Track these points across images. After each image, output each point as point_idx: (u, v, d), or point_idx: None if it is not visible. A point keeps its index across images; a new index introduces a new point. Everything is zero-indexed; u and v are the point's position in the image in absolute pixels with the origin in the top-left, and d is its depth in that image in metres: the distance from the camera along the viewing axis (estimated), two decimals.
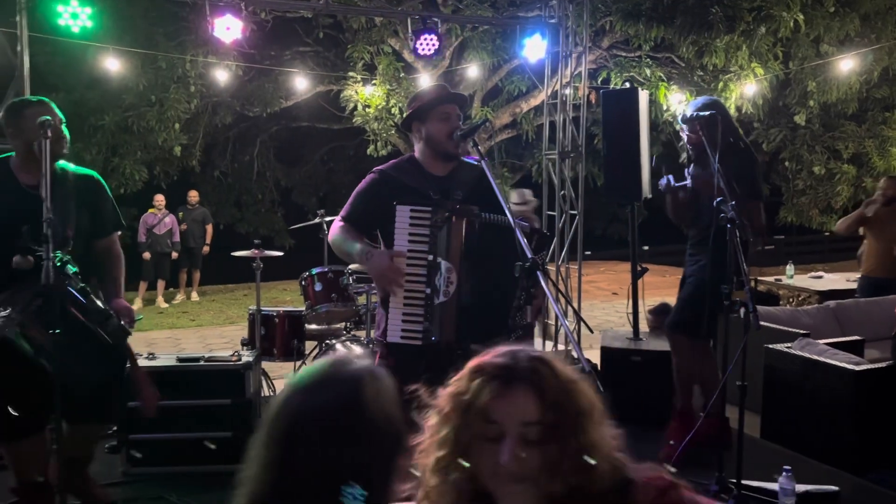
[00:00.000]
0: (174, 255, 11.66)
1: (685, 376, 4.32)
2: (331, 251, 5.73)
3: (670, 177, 4.20)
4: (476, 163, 3.10)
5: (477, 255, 2.84)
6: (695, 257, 4.29)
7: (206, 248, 12.20)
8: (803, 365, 4.47)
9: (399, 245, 2.84)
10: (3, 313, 2.80)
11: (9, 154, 3.09)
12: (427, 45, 5.75)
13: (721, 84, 9.33)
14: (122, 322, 3.07)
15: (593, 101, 9.25)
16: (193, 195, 12.28)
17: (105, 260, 3.29)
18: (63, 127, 3.07)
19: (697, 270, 4.17)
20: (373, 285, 4.72)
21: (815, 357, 4.45)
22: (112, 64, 8.49)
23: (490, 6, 9.06)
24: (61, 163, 3.14)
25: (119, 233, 3.40)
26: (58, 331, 2.62)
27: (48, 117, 2.82)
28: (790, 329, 5.23)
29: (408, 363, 2.81)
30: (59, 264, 2.73)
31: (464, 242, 2.83)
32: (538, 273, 2.49)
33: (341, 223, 3.07)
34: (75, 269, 2.87)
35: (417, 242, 2.84)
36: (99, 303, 2.98)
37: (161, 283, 11.82)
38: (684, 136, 4.25)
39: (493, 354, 1.31)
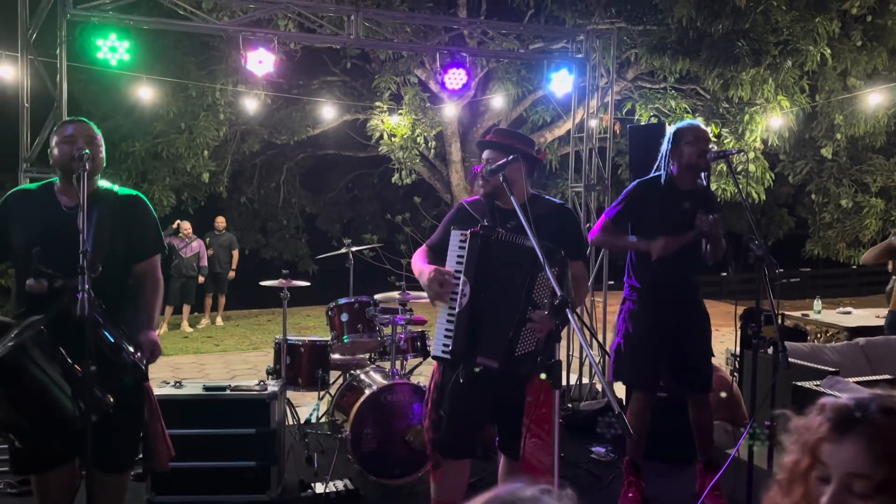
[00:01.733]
0: (200, 279, 11.76)
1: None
2: (356, 281, 5.86)
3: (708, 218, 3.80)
4: (558, 202, 3.39)
5: (488, 270, 2.93)
6: (639, 290, 3.99)
7: (231, 274, 12.29)
8: None
9: (450, 266, 3.00)
10: (11, 337, 2.61)
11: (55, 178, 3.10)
12: (455, 79, 5.81)
13: (747, 116, 9.31)
14: (137, 358, 2.90)
15: (617, 132, 9.27)
16: (220, 221, 12.40)
17: (142, 285, 3.13)
18: (96, 143, 3.01)
19: (701, 325, 4.03)
20: (398, 316, 4.79)
21: None
22: (144, 92, 8.68)
23: (515, 38, 9.16)
24: (106, 185, 3.10)
25: (159, 256, 3.23)
26: (92, 366, 2.54)
27: (87, 151, 2.83)
28: (818, 366, 5.15)
29: (449, 377, 3.03)
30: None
31: (477, 257, 2.93)
32: (567, 311, 2.49)
33: (424, 247, 3.31)
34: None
35: (461, 263, 2.98)
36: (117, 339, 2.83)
37: (186, 308, 11.91)
38: (675, 164, 3.87)
39: (847, 395, 1.24)
